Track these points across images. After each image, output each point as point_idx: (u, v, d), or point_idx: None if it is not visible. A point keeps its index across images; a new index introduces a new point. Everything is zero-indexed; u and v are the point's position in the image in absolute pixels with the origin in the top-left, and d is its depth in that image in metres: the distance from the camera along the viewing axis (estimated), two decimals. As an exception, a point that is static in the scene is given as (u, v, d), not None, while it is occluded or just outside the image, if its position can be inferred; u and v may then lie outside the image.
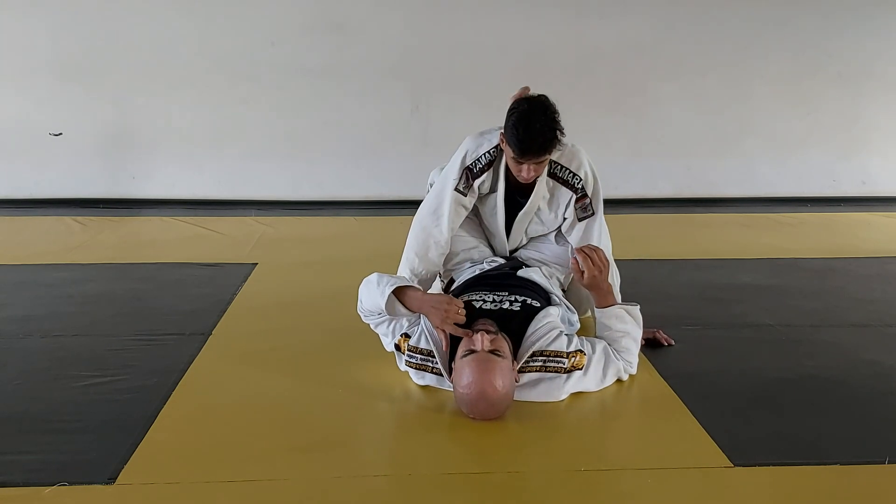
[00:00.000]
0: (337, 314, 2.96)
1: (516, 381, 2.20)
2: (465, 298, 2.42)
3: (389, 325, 2.41)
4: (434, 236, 2.72)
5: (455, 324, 2.23)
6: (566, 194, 2.68)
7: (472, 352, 2.12)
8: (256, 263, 3.78)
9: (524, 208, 2.72)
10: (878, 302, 3.27)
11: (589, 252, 2.35)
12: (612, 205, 5.08)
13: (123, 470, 1.88)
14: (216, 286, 3.40)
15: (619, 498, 1.83)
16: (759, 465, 1.93)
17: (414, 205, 2.96)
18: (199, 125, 5.34)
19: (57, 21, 5.11)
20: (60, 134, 5.29)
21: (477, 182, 2.68)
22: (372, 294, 2.36)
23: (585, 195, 2.67)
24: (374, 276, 2.39)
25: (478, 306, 2.37)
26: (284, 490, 1.82)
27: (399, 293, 2.32)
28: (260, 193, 5.40)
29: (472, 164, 2.67)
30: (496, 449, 2.06)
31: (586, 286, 2.41)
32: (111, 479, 1.85)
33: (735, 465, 1.93)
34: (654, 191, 5.57)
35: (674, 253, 4.10)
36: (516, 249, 2.90)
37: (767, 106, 5.57)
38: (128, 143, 5.31)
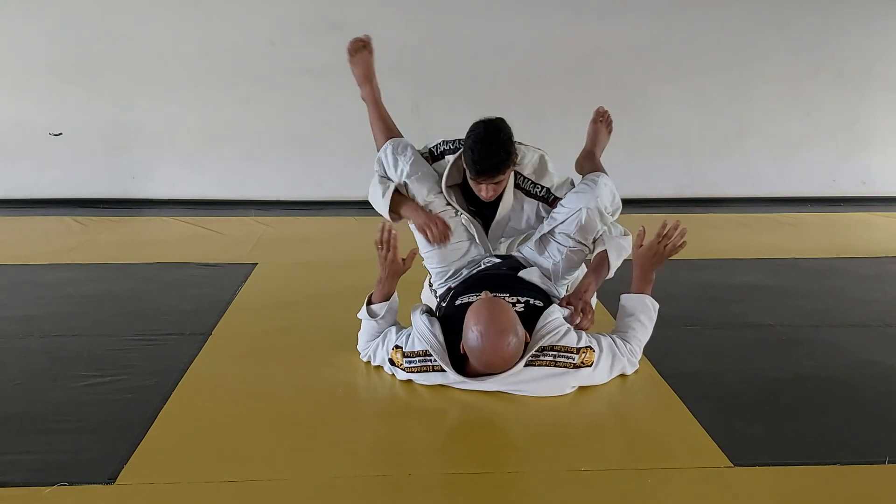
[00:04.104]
0: (337, 314, 2.96)
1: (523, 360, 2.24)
2: (466, 299, 2.43)
3: (383, 345, 2.44)
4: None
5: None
6: (532, 203, 2.76)
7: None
8: (256, 263, 3.78)
9: (495, 219, 2.78)
10: (878, 302, 3.27)
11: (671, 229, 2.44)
12: (612, 205, 5.13)
13: (123, 470, 1.89)
14: (216, 286, 3.40)
15: (619, 498, 1.83)
16: (759, 465, 1.93)
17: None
18: (199, 125, 5.35)
19: (56, 21, 5.11)
20: (60, 134, 5.29)
21: (444, 159, 2.79)
22: (363, 324, 2.52)
23: (556, 199, 2.73)
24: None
25: (479, 306, 2.37)
26: (284, 490, 1.82)
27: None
28: (260, 193, 5.40)
29: (433, 148, 2.83)
30: (496, 449, 2.06)
31: (639, 257, 2.48)
32: (111, 479, 1.85)
33: (735, 465, 1.94)
34: (654, 191, 5.57)
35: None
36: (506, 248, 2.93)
37: (767, 106, 5.58)
38: (128, 143, 5.31)
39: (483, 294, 2.29)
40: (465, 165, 2.59)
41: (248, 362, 2.56)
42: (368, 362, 2.51)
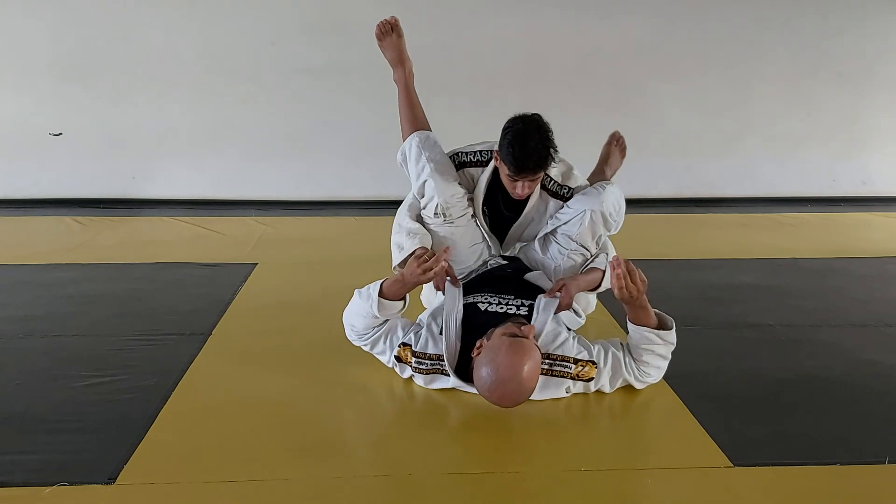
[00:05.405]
0: (337, 314, 2.94)
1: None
2: (469, 300, 2.42)
3: (385, 339, 2.38)
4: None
5: (430, 271, 2.25)
6: (557, 204, 2.73)
7: (514, 336, 2.10)
8: (256, 263, 3.78)
9: (518, 220, 2.76)
10: (878, 302, 3.27)
11: (629, 269, 2.18)
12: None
13: (123, 470, 1.89)
14: (216, 286, 3.40)
15: (619, 498, 1.83)
16: (759, 465, 1.94)
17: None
18: (199, 125, 5.34)
19: (57, 21, 5.11)
20: (60, 134, 5.28)
21: (463, 170, 2.74)
22: (361, 307, 2.35)
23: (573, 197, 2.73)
24: (354, 296, 2.40)
25: (482, 308, 2.36)
26: (284, 490, 1.83)
27: (382, 291, 2.31)
28: (260, 193, 5.39)
29: (461, 152, 2.75)
30: (496, 449, 2.06)
31: (620, 300, 2.25)
32: (111, 479, 1.85)
33: (735, 465, 1.94)
34: (654, 191, 5.57)
35: (674, 253, 4.10)
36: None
37: (767, 106, 5.57)
38: (128, 143, 5.31)
39: (528, 332, 2.12)
40: (502, 162, 2.53)
41: (248, 362, 2.56)
42: (369, 362, 2.49)
